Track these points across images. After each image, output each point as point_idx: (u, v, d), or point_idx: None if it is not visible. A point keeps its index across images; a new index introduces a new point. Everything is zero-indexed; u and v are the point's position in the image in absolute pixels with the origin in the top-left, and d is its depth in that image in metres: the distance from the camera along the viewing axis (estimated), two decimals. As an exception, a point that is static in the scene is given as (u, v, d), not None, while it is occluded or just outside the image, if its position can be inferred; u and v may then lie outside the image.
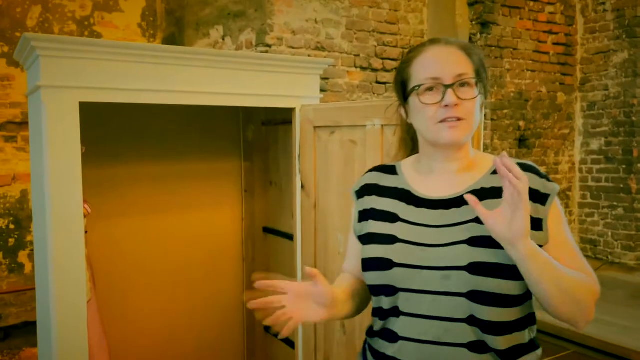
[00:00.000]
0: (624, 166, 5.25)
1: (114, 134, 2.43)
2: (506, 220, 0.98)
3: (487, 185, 1.14)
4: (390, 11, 4.46)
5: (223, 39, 4.36)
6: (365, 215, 1.24)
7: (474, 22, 4.89)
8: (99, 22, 4.71)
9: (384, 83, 4.44)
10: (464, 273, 1.05)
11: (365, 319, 1.98)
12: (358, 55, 4.31)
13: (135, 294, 2.52)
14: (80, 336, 1.80)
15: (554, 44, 5.37)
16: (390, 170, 1.27)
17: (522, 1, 5.08)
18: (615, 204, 5.32)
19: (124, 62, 1.83)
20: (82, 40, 1.80)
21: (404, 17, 4.53)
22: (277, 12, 3.98)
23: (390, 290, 1.13)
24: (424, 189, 1.18)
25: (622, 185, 5.27)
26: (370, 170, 1.31)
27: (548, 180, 1.13)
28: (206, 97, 2.00)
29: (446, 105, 1.09)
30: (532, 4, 5.15)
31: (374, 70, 4.40)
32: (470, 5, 4.88)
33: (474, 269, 1.04)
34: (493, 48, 4.94)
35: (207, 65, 1.98)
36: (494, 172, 1.14)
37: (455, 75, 1.11)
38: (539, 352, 1.15)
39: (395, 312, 1.13)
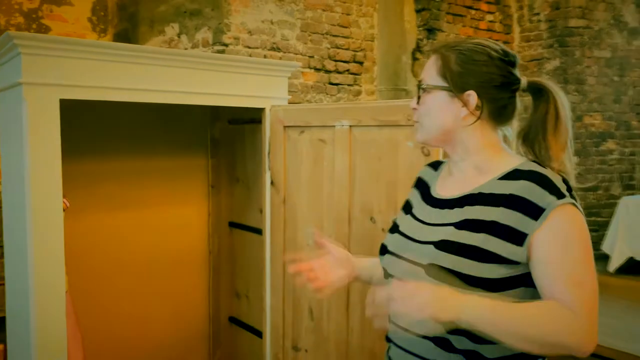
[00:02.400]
0: (554, 166, 5.65)
1: (82, 130, 2.45)
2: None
3: (486, 191, 1.13)
4: (343, 15, 4.62)
5: (179, 37, 4.38)
6: (405, 204, 1.36)
7: (420, 28, 5.13)
8: (47, 15, 4.60)
9: (337, 84, 4.60)
10: (422, 272, 1.13)
11: (333, 305, 2.13)
12: (312, 57, 4.44)
13: (104, 286, 2.55)
14: (59, 328, 1.84)
15: (493, 50, 5.70)
16: (436, 165, 1.37)
17: (464, 9, 5.37)
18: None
19: (101, 60, 1.89)
20: (62, 39, 1.85)
21: (356, 21, 4.71)
22: (233, 11, 4.05)
23: (385, 274, 1.27)
24: (439, 188, 1.27)
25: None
26: (427, 165, 1.41)
27: (551, 193, 1.05)
28: (180, 96, 2.08)
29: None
30: (473, 12, 5.46)
31: (327, 71, 4.55)
32: (418, 12, 5.12)
33: (431, 270, 1.10)
34: (438, 53, 5.20)
35: (181, 65, 2.06)
36: (502, 178, 1.13)
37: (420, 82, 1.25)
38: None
39: None
